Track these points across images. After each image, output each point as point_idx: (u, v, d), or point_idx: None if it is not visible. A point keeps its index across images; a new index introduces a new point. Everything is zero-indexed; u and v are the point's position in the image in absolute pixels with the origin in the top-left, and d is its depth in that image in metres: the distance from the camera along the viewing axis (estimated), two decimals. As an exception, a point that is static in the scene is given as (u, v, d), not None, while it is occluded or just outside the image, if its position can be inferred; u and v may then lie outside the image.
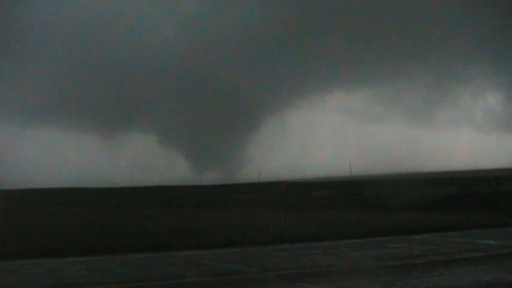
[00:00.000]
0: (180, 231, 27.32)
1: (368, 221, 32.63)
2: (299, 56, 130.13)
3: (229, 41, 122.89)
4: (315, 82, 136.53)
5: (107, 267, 17.45)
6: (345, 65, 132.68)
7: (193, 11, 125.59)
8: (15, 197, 66.70)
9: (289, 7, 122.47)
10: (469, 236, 24.87)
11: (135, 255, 20.00)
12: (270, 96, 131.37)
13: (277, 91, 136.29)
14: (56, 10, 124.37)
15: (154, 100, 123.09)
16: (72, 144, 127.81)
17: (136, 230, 28.45)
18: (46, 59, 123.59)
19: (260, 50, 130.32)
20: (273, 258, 19.15)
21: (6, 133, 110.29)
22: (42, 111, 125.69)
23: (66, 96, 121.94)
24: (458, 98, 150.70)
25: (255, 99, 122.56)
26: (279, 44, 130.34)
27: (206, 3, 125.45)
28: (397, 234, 26.09)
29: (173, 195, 69.50)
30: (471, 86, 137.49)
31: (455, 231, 27.05)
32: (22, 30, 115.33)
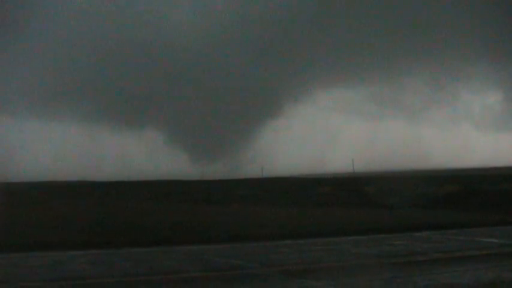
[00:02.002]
0: (182, 225, 27.38)
1: (370, 218, 32.67)
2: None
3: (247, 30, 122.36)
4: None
5: (108, 261, 17.48)
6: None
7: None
8: (18, 190, 66.92)
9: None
10: (470, 234, 24.86)
11: (137, 250, 20.06)
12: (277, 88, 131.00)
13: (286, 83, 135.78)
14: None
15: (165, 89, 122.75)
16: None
17: (138, 224, 28.51)
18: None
19: (275, 37, 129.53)
20: (275, 253, 19.16)
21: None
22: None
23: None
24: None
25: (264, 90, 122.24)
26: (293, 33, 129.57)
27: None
28: (399, 231, 26.10)
29: (175, 189, 69.58)
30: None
31: (457, 229, 27.05)
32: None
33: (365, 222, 29.53)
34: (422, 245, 21.02)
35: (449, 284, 13.31)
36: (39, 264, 16.61)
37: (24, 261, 17.35)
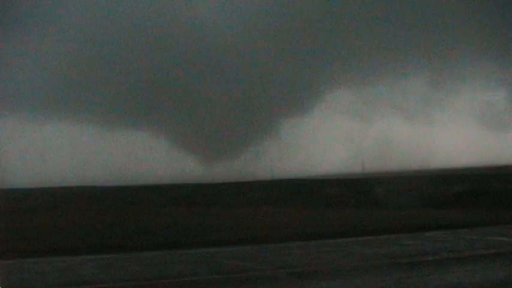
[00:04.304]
0: (193, 229, 27.42)
1: (380, 218, 32.60)
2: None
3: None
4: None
5: (119, 265, 17.52)
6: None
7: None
8: (27, 196, 67.13)
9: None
10: (481, 233, 24.79)
11: (148, 253, 20.10)
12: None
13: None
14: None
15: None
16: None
17: (148, 228, 28.57)
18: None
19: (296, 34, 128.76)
20: (286, 255, 19.16)
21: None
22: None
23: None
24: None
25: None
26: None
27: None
28: (409, 231, 26.04)
29: (185, 193, 69.61)
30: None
31: (468, 228, 26.96)
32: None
33: (375, 223, 29.48)
34: (432, 245, 20.98)
35: (460, 283, 13.27)
36: (51, 269, 16.65)
37: (36, 266, 17.40)
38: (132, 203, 60.00)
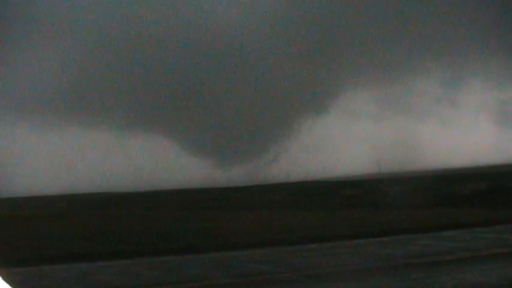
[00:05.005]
0: (208, 233, 27.49)
1: (396, 219, 32.52)
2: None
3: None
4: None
5: (136, 270, 17.64)
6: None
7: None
8: (43, 204, 67.60)
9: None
10: (498, 232, 24.70)
11: (165, 258, 20.21)
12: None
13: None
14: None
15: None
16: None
17: (165, 233, 28.67)
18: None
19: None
20: (303, 257, 19.21)
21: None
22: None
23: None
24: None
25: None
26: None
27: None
28: (425, 231, 25.99)
29: (201, 197, 69.78)
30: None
31: (484, 227, 26.87)
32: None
33: (391, 223, 29.41)
34: (449, 244, 20.93)
35: (477, 282, 13.26)
36: (68, 276, 16.81)
37: (53, 273, 17.56)
38: (147, 208, 60.27)
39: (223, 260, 19.41)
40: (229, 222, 35.66)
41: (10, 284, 7.94)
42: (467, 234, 24.21)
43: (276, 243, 23.28)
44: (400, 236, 24.83)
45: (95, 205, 67.54)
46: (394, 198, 49.68)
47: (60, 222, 40.22)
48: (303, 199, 60.05)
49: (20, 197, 73.30)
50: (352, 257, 18.99)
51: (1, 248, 21.61)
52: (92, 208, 63.27)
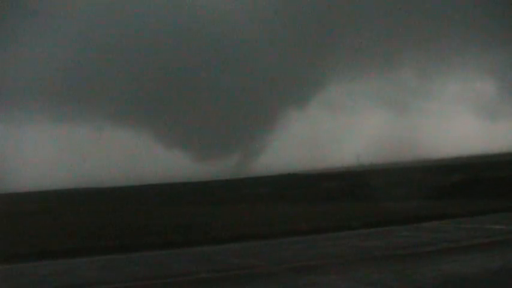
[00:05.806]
0: (190, 227, 27.45)
1: (376, 211, 32.68)
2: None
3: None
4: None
5: (118, 265, 17.56)
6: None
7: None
8: (26, 200, 67.12)
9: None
10: (478, 222, 24.89)
11: (147, 253, 20.15)
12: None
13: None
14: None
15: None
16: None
17: (146, 227, 28.60)
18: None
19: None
20: (284, 251, 19.23)
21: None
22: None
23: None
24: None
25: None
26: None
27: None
28: (406, 223, 26.16)
29: (181, 191, 69.70)
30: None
31: (464, 218, 27.09)
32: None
33: (372, 216, 29.55)
34: (429, 236, 21.07)
35: (457, 273, 13.33)
36: (49, 273, 16.68)
37: (34, 270, 17.43)
38: (128, 202, 60.06)
39: (205, 254, 19.37)
40: (210, 216, 35.64)
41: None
42: (449, 225, 24.39)
43: (258, 236, 23.30)
44: (381, 227, 24.97)
45: (74, 201, 67.24)
46: (375, 190, 49.99)
47: (37, 219, 39.99)
48: (284, 192, 60.18)
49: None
50: (333, 249, 19.04)
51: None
52: (70, 204, 62.97)
